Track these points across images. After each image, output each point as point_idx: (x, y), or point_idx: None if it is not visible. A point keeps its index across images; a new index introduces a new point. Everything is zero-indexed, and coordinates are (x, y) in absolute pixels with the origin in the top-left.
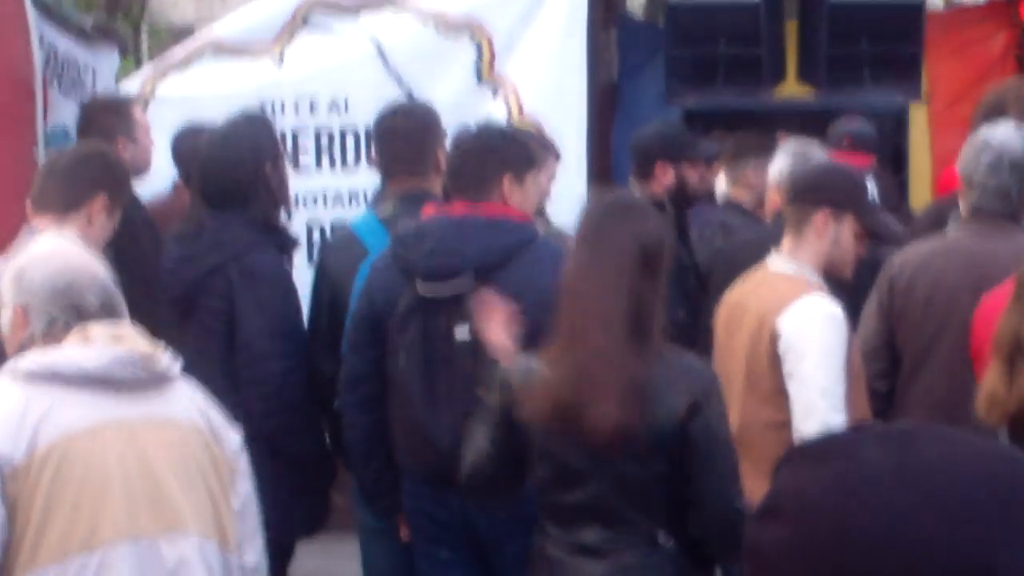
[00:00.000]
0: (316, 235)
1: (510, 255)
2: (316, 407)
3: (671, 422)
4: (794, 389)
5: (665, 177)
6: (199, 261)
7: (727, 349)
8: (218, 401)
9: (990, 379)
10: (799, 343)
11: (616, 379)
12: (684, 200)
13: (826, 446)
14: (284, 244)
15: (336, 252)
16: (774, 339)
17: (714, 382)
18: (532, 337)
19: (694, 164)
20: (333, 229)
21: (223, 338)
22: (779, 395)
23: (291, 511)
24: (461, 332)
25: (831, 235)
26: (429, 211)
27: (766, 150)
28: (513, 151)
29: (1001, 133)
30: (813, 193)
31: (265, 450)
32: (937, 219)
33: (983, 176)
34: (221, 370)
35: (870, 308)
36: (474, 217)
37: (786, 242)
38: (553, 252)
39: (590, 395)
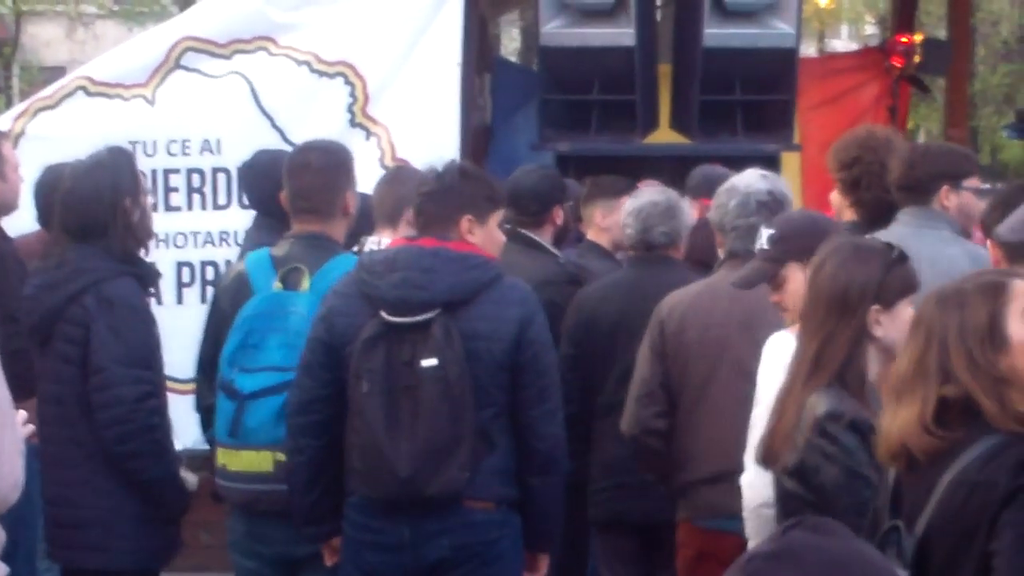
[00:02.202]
0: (186, 275)
1: (478, 291)
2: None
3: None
4: None
5: (557, 220)
6: (58, 289)
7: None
8: (72, 427)
9: (883, 416)
10: None
11: (777, 411)
12: (560, 241)
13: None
14: (144, 276)
15: (226, 289)
16: None
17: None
18: (500, 374)
19: (564, 205)
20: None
21: (79, 365)
22: None
23: (142, 540)
24: (427, 360)
25: None
26: (399, 241)
27: (616, 193)
28: (472, 191)
29: (746, 177)
30: (804, 246)
31: (116, 478)
32: None
33: (733, 219)
34: (76, 396)
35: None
36: (445, 250)
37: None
38: (520, 292)
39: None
